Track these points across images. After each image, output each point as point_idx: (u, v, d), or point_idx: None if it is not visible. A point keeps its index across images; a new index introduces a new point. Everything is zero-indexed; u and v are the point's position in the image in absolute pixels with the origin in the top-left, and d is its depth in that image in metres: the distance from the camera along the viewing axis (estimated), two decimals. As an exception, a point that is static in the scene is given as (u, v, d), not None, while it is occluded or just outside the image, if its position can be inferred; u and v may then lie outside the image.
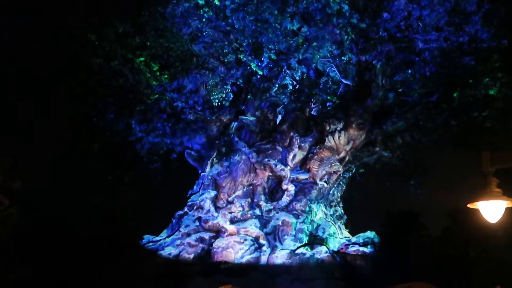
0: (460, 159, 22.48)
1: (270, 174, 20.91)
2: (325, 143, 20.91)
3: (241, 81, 21.68)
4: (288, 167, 20.87)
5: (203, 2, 20.11)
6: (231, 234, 19.83)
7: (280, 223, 20.11)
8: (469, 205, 9.45)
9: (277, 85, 21.53)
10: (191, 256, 19.55)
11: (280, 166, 20.75)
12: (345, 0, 19.24)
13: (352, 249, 19.50)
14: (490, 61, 20.05)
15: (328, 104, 21.68)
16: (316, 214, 20.87)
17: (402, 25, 19.54)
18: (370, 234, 20.20)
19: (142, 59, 20.14)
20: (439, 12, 19.42)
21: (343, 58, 20.62)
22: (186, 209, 21.32)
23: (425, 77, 20.34)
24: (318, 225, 20.71)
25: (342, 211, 22.53)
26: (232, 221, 20.28)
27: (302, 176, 21.01)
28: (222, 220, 20.27)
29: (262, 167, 20.83)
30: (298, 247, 19.41)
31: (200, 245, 19.81)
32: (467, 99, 20.25)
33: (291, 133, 21.16)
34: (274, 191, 21.14)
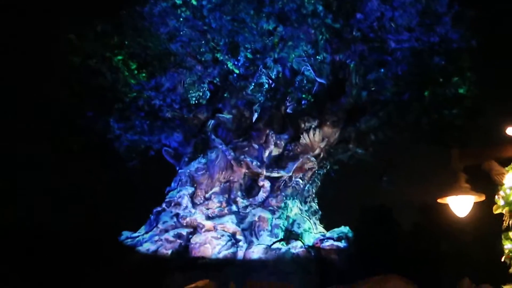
0: (431, 156, 22.61)
1: (246, 171, 20.90)
2: (300, 140, 20.96)
3: (218, 79, 21.59)
4: (264, 164, 20.87)
5: (181, 2, 20.04)
6: (208, 230, 19.77)
7: (256, 218, 20.12)
8: (439, 200, 9.49)
9: (253, 84, 21.46)
10: (169, 252, 19.46)
11: (256, 163, 20.73)
12: (319, 1, 19.31)
13: (326, 244, 19.59)
14: (460, 61, 20.29)
15: (303, 102, 21.70)
16: (291, 210, 20.90)
17: (375, 26, 19.67)
18: (344, 229, 20.32)
19: (120, 57, 20.05)
20: (411, 13, 19.59)
21: (317, 57, 20.64)
22: (164, 205, 21.18)
23: (397, 76, 20.50)
24: (294, 221, 20.76)
25: (317, 207, 22.57)
26: (209, 217, 20.25)
27: (278, 173, 21.02)
28: (199, 216, 20.21)
29: (239, 164, 20.81)
30: (274, 242, 19.43)
31: (178, 241, 19.72)
32: (438, 97, 20.44)
33: (267, 131, 21.17)
34: (250, 188, 21.12)
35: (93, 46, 20.19)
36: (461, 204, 9.19)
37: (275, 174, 20.89)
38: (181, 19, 20.34)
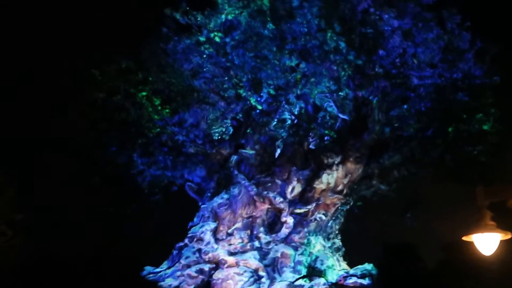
0: (455, 192, 22.56)
1: (269, 206, 20.96)
2: (323, 176, 21.06)
3: (240, 115, 21.84)
4: (287, 200, 20.96)
5: (204, 39, 20.44)
6: (230, 266, 19.81)
7: (279, 255, 20.14)
8: (464, 238, 9.56)
9: (276, 120, 21.67)
10: (192, 287, 19.53)
11: (279, 199, 20.82)
12: (342, 38, 19.54)
13: (350, 281, 19.50)
14: (483, 97, 20.34)
15: (325, 138, 21.79)
16: (314, 246, 20.89)
17: (398, 62, 19.85)
18: (368, 266, 20.21)
19: (144, 93, 20.36)
20: (433, 49, 19.77)
21: (340, 93, 20.78)
22: (186, 241, 21.30)
23: (420, 112, 20.59)
24: (317, 257, 20.71)
25: (340, 243, 22.46)
26: (231, 253, 20.30)
27: (301, 210, 21.09)
28: (222, 252, 20.27)
29: (262, 200, 20.92)
30: (297, 279, 19.40)
31: (200, 276, 19.78)
32: (462, 134, 20.45)
33: (290, 167, 21.30)
34: (273, 224, 21.15)
35: (117, 82, 20.54)
36: (486, 242, 9.26)
37: (298, 210, 20.97)
38: (205, 56, 20.72)
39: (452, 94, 20.10)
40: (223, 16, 20.36)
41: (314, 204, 21.08)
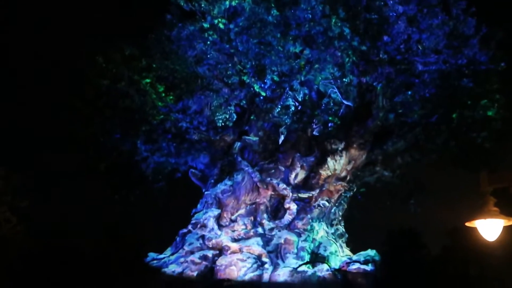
0: (459, 179, 22.51)
1: (272, 193, 20.97)
2: (327, 163, 21.02)
3: (244, 102, 21.84)
4: (290, 186, 20.95)
5: (208, 26, 20.35)
6: (234, 252, 19.85)
7: (282, 241, 20.15)
8: (467, 224, 9.49)
9: (279, 106, 21.67)
10: (195, 273, 19.55)
11: (282, 185, 20.82)
12: (346, 24, 19.43)
13: (353, 267, 19.50)
14: (488, 83, 20.20)
15: (329, 124, 21.78)
16: (317, 233, 20.90)
17: (402, 48, 19.71)
18: (371, 252, 20.21)
19: (148, 80, 20.30)
20: (438, 35, 19.61)
21: (344, 80, 20.73)
22: (190, 227, 21.34)
23: (425, 98, 20.48)
24: (320, 243, 20.73)
25: (343, 230, 22.49)
26: (235, 239, 20.34)
27: (304, 195, 21.07)
28: (225, 238, 20.32)
29: (265, 186, 20.92)
30: (300, 265, 19.41)
31: (204, 262, 19.82)
32: (466, 120, 20.35)
33: (293, 153, 21.27)
34: (276, 210, 21.18)
35: (121, 69, 20.46)
36: (490, 228, 9.20)
37: (301, 195, 20.94)
38: (208, 42, 20.65)
39: (457, 80, 19.95)
40: (227, 3, 20.27)
41: (317, 190, 21.07)
